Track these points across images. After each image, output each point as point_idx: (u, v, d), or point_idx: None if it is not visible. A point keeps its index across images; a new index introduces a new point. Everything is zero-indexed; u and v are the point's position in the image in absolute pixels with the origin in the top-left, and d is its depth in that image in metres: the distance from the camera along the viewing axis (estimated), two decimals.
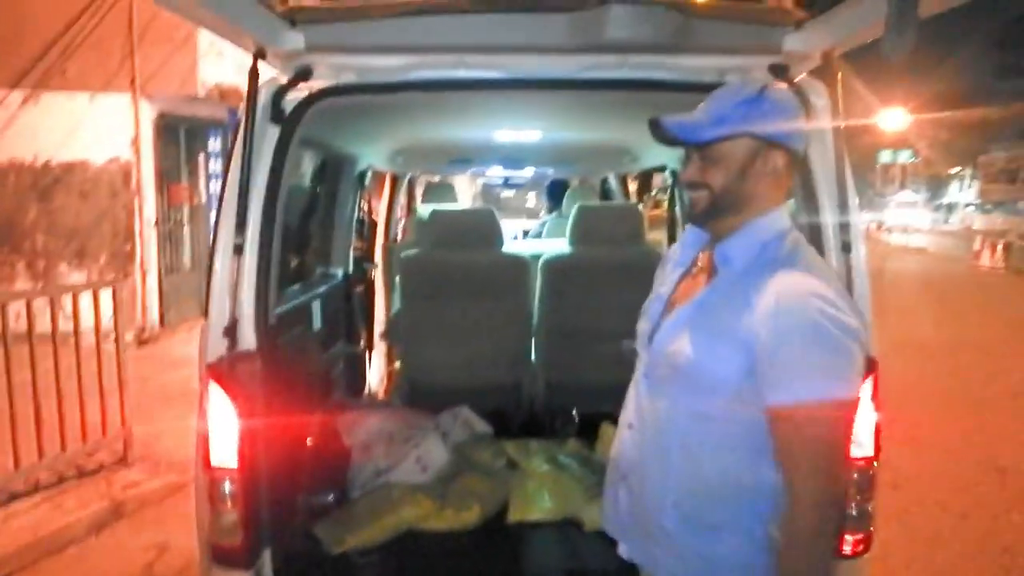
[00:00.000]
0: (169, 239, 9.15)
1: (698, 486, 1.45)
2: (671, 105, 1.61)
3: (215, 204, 9.69)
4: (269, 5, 1.89)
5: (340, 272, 3.58)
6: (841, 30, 1.84)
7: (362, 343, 3.90)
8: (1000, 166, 30.04)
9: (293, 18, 1.94)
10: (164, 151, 8.92)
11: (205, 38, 8.63)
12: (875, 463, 1.89)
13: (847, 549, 1.92)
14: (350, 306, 3.65)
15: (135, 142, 8.50)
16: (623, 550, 1.63)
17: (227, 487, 1.95)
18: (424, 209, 4.72)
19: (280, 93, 2.02)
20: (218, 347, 1.97)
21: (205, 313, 2.10)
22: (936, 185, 36.30)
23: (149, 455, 4.75)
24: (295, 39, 1.96)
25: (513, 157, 4.26)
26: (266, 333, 2.01)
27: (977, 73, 23.40)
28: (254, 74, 1.97)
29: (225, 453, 1.95)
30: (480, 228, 3.26)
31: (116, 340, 4.66)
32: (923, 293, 13.19)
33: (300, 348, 2.67)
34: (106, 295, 4.60)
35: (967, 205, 31.84)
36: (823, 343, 1.31)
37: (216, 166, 9.88)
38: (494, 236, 3.29)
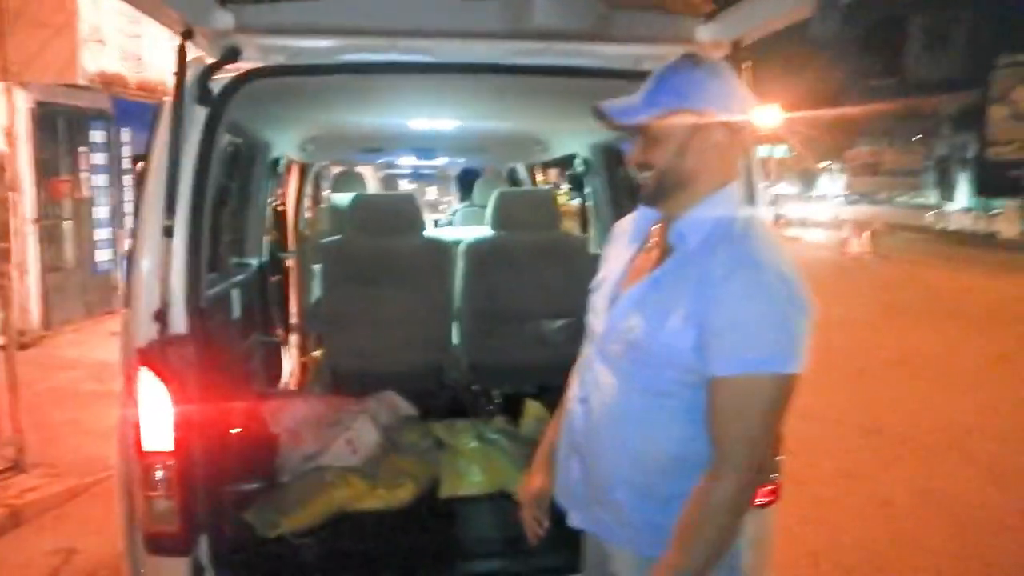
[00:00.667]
0: (50, 236, 8.60)
1: (650, 460, 1.48)
2: (590, 92, 1.70)
3: (99, 199, 9.13)
4: None
5: (255, 261, 3.53)
6: (750, 20, 2.00)
7: (279, 332, 3.85)
8: (864, 160, 32.44)
9: None
10: (42, 143, 8.37)
11: (86, 24, 8.17)
12: None
13: (759, 500, 2.11)
14: (266, 295, 3.60)
15: (9, 133, 7.94)
16: (573, 519, 1.65)
17: (161, 473, 1.93)
18: (338, 198, 4.67)
19: (207, 73, 2.00)
20: (148, 331, 1.93)
21: (126, 300, 2.06)
22: (808, 178, 38.62)
23: (43, 460, 4.50)
24: (224, 18, 1.94)
25: (430, 145, 4.30)
26: (197, 317, 1.99)
27: (846, 72, 25.10)
28: (182, 53, 1.94)
29: (158, 438, 1.92)
30: (402, 214, 3.29)
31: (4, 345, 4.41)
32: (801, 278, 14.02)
33: (225, 335, 2.63)
34: None
35: (836, 196, 34.18)
36: (774, 317, 1.34)
37: (99, 159, 9.35)
38: (416, 222, 3.33)
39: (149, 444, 1.92)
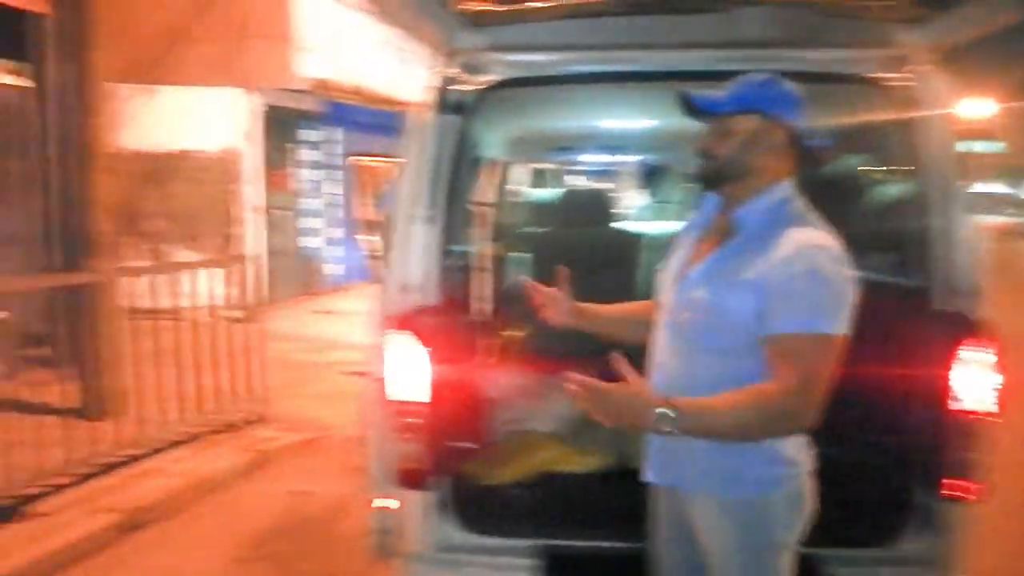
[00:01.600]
0: (269, 224, 9.74)
1: None
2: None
3: (310, 191, 10.12)
4: (454, 9, 2.24)
5: (468, 248, 3.94)
6: (959, 26, 2.08)
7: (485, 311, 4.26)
8: None
9: (476, 20, 2.28)
10: (268, 141, 9.50)
11: (301, 34, 9.16)
12: (983, 422, 2.12)
13: (950, 492, 2.18)
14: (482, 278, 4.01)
15: (242, 133, 9.10)
16: (651, 475, 1.88)
17: (412, 420, 2.32)
18: (536, 193, 5.03)
19: (457, 86, 2.35)
20: (405, 301, 2.34)
21: (382, 276, 2.47)
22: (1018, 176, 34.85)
23: (276, 416, 5.23)
24: (476, 39, 2.30)
25: (624, 144, 4.55)
26: (442, 292, 2.37)
27: None
28: (439, 70, 2.31)
29: (413, 390, 2.32)
30: (602, 207, 3.57)
31: (242, 316, 5.18)
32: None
33: (459, 309, 3.02)
34: (217, 274, 5.14)
35: None
36: (825, 288, 1.59)
37: (313, 155, 10.43)
38: (611, 215, 3.60)
39: (405, 394, 2.32)
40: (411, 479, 2.37)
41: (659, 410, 1.54)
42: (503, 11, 2.30)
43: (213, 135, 9.03)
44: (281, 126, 9.83)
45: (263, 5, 8.90)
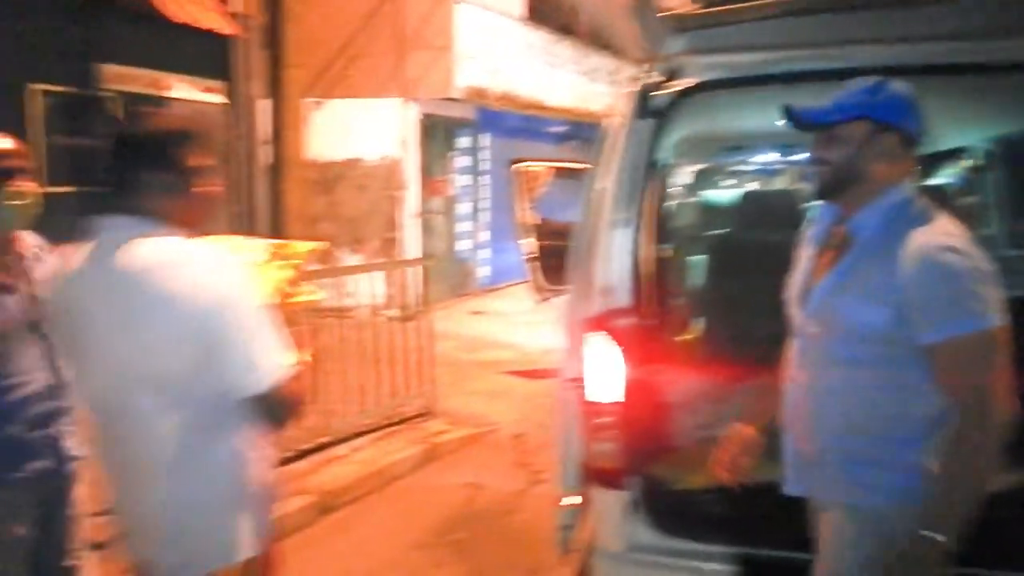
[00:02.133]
0: (425, 228, 10.15)
1: (853, 424, 1.71)
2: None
3: (463, 196, 10.40)
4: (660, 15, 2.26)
5: (659, 250, 3.95)
6: None
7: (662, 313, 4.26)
8: None
9: (679, 24, 2.29)
10: (425, 149, 9.91)
11: (461, 44, 9.49)
12: None
13: None
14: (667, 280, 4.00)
15: (402, 141, 9.54)
16: (789, 487, 1.91)
17: (608, 419, 2.37)
18: (711, 194, 4.96)
19: (657, 92, 2.37)
20: (602, 302, 2.39)
21: (576, 277, 2.53)
22: None
23: (444, 411, 5.46)
24: (676, 43, 2.31)
25: (797, 142, 4.41)
26: (636, 293, 2.40)
27: None
28: (641, 76, 2.35)
29: (609, 390, 2.37)
30: (785, 209, 3.48)
31: (403, 316, 5.45)
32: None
33: (652, 311, 3.02)
34: (377, 276, 5.40)
35: None
36: (961, 287, 1.56)
37: (463, 161, 10.78)
38: (796, 216, 3.50)
39: (600, 394, 2.37)
40: (605, 478, 2.42)
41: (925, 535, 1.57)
42: (707, 13, 2.30)
43: (376, 144, 9.52)
44: (436, 134, 10.22)
45: (427, 18, 9.29)
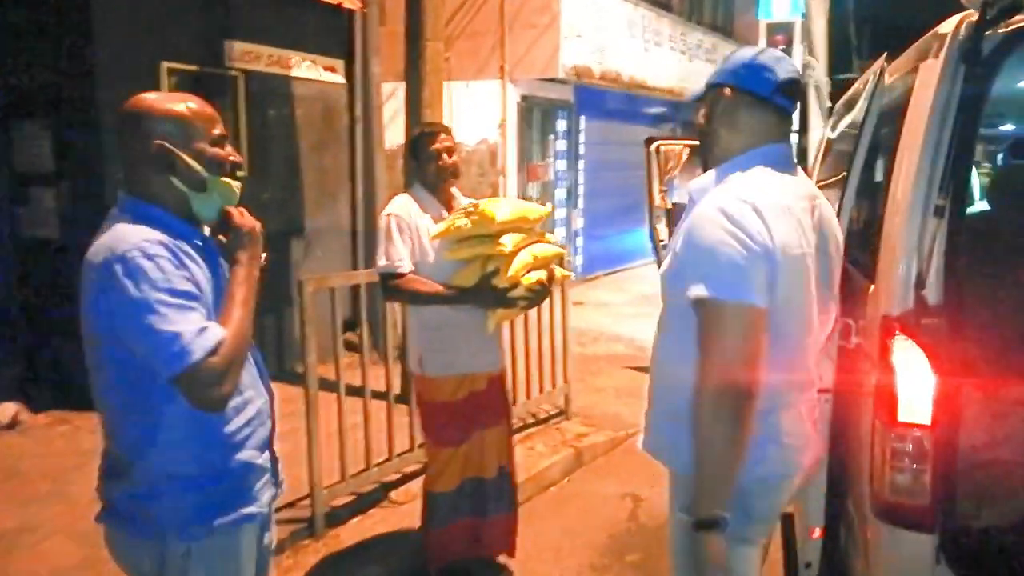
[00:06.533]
0: None
1: (664, 383, 1.81)
2: None
3: (560, 181, 9.99)
4: None
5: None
6: None
7: None
8: None
9: None
10: (524, 132, 9.52)
11: (566, 21, 9.04)
12: None
13: None
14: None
15: (501, 125, 9.17)
16: (639, 442, 1.91)
17: (914, 443, 1.92)
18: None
19: (982, 31, 1.88)
20: (905, 300, 1.94)
21: (872, 271, 2.08)
22: None
23: (577, 410, 5.07)
24: None
25: None
26: (952, 290, 1.94)
27: None
28: (963, 20, 1.88)
29: (915, 409, 1.92)
30: None
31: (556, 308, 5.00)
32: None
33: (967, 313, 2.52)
34: None
35: None
36: (720, 253, 1.57)
37: (561, 146, 10.35)
38: None
39: (904, 415, 1.93)
40: (907, 516, 1.97)
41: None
42: None
43: (475, 128, 9.18)
44: (534, 117, 9.83)
45: None
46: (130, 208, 1.54)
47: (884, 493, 1.99)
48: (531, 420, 4.85)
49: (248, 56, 5.20)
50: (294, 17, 5.53)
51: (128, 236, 1.46)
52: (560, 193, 10.44)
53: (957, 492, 2.01)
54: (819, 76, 13.28)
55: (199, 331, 1.42)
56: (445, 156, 2.91)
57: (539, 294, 2.87)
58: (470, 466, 2.99)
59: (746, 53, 1.80)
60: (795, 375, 1.74)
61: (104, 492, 1.62)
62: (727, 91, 1.75)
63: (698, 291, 1.57)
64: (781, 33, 11.60)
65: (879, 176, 2.60)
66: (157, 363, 1.41)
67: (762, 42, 12.42)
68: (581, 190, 10.76)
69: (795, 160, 1.84)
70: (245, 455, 1.60)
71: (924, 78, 2.01)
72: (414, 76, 4.76)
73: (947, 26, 2.02)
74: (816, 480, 2.21)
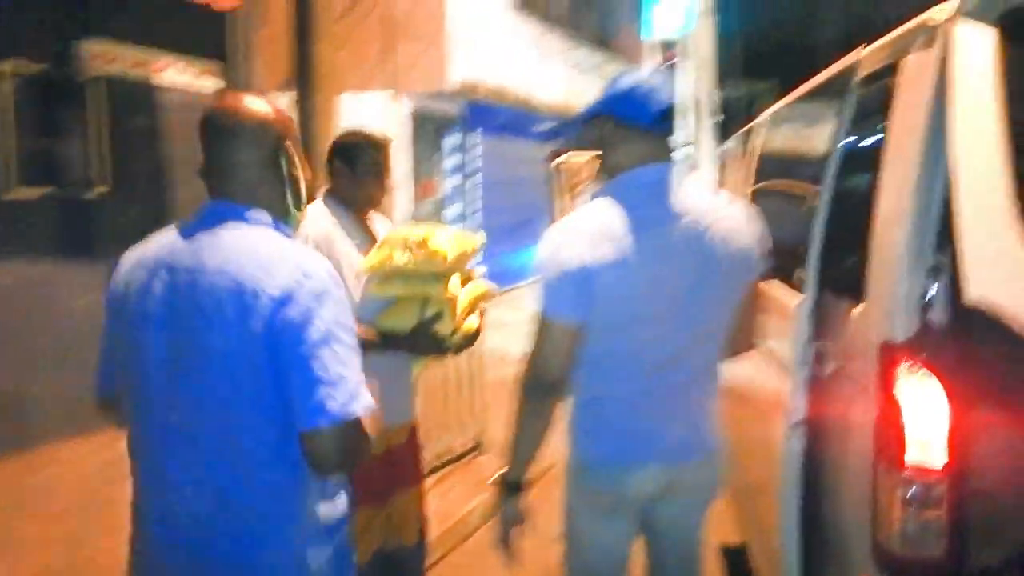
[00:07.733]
0: None
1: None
2: None
3: (454, 198, 9.69)
4: None
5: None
6: None
7: None
8: None
9: None
10: (415, 147, 9.13)
11: (453, 34, 8.74)
12: None
13: None
14: None
15: (392, 139, 8.73)
16: None
17: (929, 488, 1.68)
18: None
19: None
20: (909, 324, 1.70)
21: (857, 289, 1.85)
22: None
23: (492, 443, 4.71)
24: None
25: None
26: (960, 308, 1.71)
27: None
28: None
29: (927, 448, 1.68)
30: None
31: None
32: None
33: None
34: None
35: None
36: (544, 274, 1.81)
37: (453, 161, 10.02)
38: None
39: (914, 455, 1.68)
40: (912, 570, 1.73)
41: None
42: None
43: None
44: (425, 132, 9.45)
45: (416, 3, 8.52)
46: (265, 220, 1.47)
47: (890, 544, 1.73)
48: (446, 457, 4.43)
49: (107, 57, 4.53)
50: (162, 14, 4.89)
51: (307, 256, 1.43)
52: (454, 209, 10.09)
53: (978, 541, 1.78)
54: (706, 90, 13.65)
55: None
56: (384, 176, 2.48)
57: (472, 340, 2.50)
58: (391, 530, 2.56)
59: (625, 82, 1.91)
60: (622, 373, 1.90)
61: None
62: (608, 122, 1.89)
63: (535, 304, 1.82)
64: (671, 49, 11.87)
65: (861, 184, 2.38)
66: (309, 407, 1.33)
67: (647, 59, 12.60)
68: (477, 206, 10.45)
69: (683, 174, 1.91)
70: None
71: (912, 74, 1.79)
72: (303, 81, 4.27)
73: (934, 19, 1.79)
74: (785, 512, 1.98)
